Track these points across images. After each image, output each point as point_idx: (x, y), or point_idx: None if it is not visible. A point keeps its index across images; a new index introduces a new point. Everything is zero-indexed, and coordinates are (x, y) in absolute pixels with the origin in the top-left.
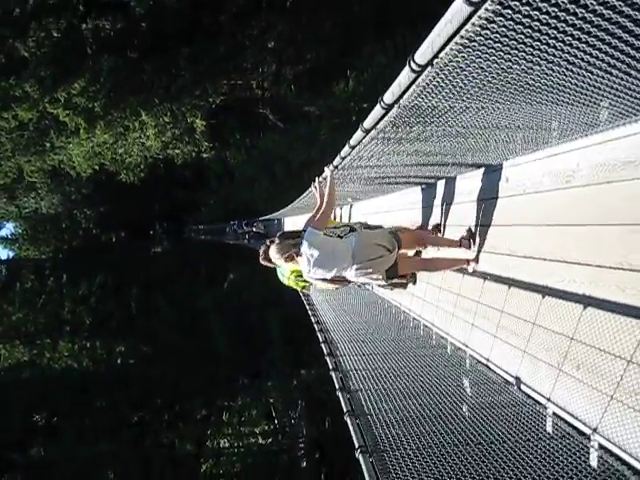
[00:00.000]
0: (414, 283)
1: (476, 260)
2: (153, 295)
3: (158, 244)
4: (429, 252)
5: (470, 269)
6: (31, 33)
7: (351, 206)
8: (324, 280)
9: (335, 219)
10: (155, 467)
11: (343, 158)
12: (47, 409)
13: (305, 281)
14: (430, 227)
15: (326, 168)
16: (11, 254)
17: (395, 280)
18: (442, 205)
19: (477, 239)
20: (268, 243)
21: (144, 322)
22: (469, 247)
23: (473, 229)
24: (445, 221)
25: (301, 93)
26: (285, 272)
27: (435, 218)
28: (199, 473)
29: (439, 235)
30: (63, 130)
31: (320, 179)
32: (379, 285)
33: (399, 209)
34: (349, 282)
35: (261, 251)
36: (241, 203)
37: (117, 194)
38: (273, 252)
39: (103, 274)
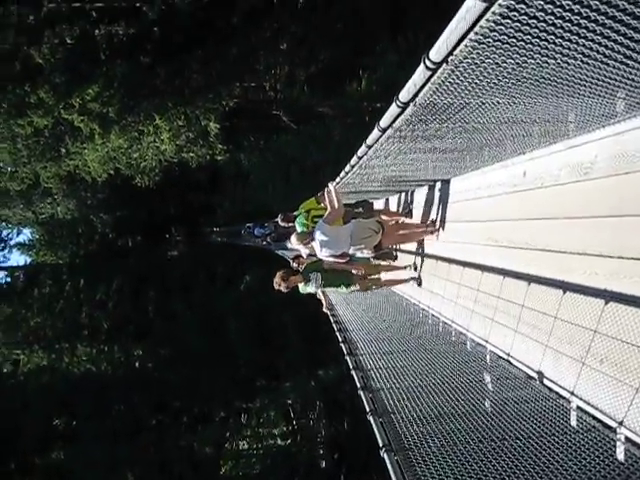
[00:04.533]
0: (419, 284)
1: (438, 230)
2: (170, 298)
3: (174, 247)
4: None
5: (435, 237)
6: (45, 40)
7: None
8: (333, 256)
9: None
10: (174, 470)
11: (360, 157)
12: (67, 413)
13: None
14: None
15: (330, 184)
16: (28, 260)
17: (381, 252)
18: (454, 202)
19: (438, 221)
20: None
21: (162, 325)
22: (433, 226)
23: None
24: (457, 217)
25: (314, 94)
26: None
27: (448, 214)
28: (218, 475)
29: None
30: (78, 136)
31: (326, 191)
32: (371, 257)
33: (414, 207)
34: (350, 256)
35: (277, 279)
36: (256, 205)
37: (133, 198)
38: (294, 240)
39: (120, 278)
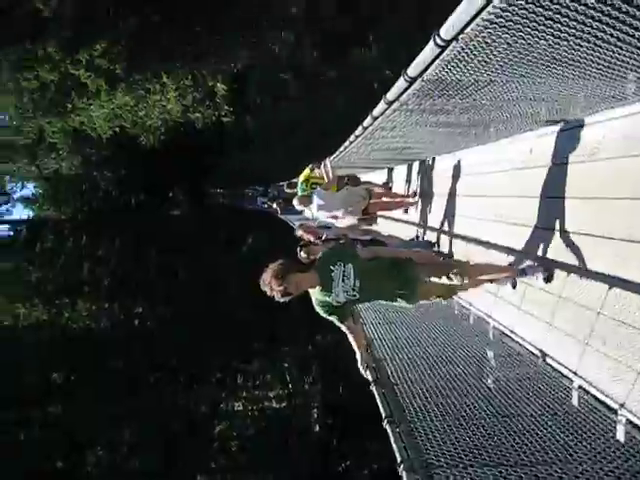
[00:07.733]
0: (513, 287)
1: (416, 202)
2: (171, 257)
3: (177, 207)
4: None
5: (413, 207)
6: None
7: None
8: (328, 216)
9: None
10: (170, 428)
11: (365, 128)
12: (65, 368)
13: None
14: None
15: (327, 159)
16: (31, 214)
17: (367, 216)
18: (459, 175)
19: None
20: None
21: (162, 284)
22: (414, 197)
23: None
24: (461, 191)
25: (322, 60)
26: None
27: (451, 186)
28: (212, 435)
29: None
30: (84, 92)
31: (322, 164)
32: (357, 219)
33: (414, 178)
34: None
35: (268, 278)
36: (259, 168)
37: (137, 157)
38: (296, 202)
39: (122, 236)
